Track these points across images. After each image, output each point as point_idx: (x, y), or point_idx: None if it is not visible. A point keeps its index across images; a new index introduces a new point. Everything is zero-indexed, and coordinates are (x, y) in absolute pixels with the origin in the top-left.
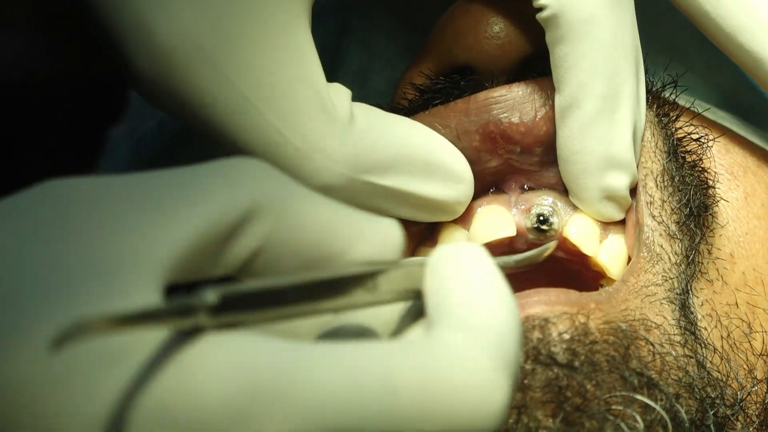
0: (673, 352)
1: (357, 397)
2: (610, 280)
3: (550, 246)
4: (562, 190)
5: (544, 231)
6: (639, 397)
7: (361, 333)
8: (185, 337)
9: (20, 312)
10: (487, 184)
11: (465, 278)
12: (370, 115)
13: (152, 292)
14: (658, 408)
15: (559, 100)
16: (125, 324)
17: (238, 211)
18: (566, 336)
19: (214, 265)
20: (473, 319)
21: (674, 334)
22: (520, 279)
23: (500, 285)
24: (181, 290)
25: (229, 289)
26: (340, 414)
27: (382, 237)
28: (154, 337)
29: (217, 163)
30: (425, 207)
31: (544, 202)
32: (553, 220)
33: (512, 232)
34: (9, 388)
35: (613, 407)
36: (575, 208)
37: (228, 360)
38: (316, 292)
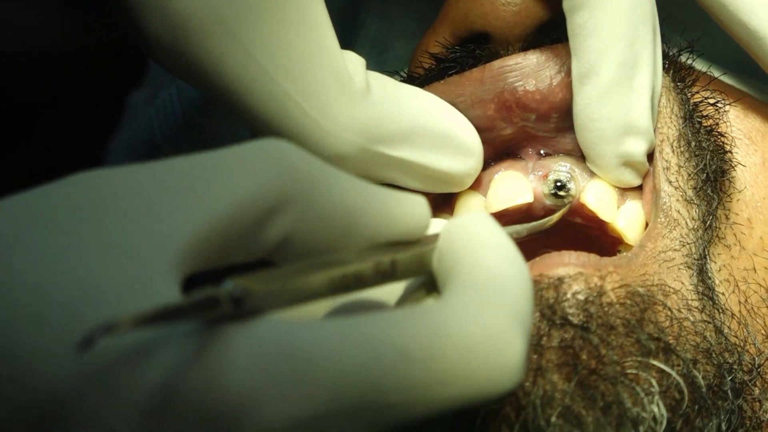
0: (691, 318)
1: (376, 368)
2: (628, 246)
3: (556, 215)
4: (579, 156)
5: (561, 197)
6: (655, 362)
7: (372, 306)
8: (211, 326)
9: (48, 309)
10: (503, 151)
11: (473, 244)
12: (385, 86)
13: (170, 281)
14: (673, 374)
15: (576, 67)
16: (151, 322)
17: (266, 198)
18: (580, 296)
19: (245, 251)
20: (484, 281)
21: (692, 300)
22: (539, 246)
23: (509, 247)
24: (210, 277)
25: (250, 279)
26: (361, 387)
27: (409, 216)
28: (183, 329)
29: (246, 146)
30: (435, 179)
31: (562, 168)
32: (571, 186)
33: (529, 199)
34: (44, 389)
35: (629, 371)
36: (592, 174)
37: (250, 348)
38: (337, 283)
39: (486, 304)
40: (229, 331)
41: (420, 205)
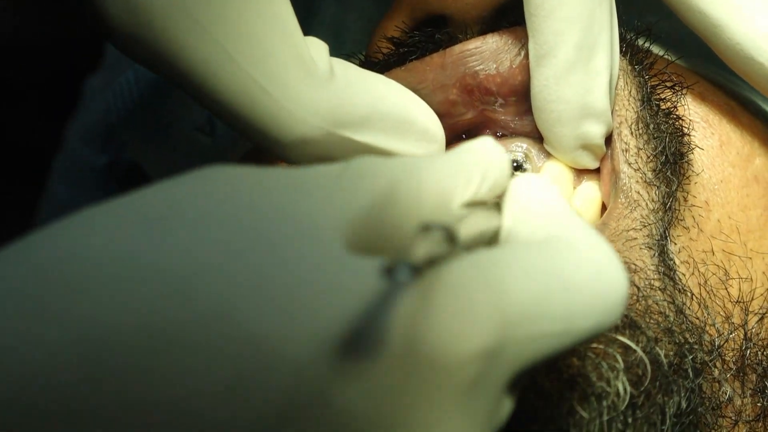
0: (653, 297)
1: (547, 297)
2: None
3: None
4: (536, 137)
5: None
6: (621, 338)
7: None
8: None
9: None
10: (461, 133)
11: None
12: (348, 71)
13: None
14: (638, 350)
15: (533, 49)
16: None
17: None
18: None
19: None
20: (579, 227)
21: (654, 279)
22: None
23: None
24: None
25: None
26: (540, 315)
27: (488, 164)
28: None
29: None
30: None
31: (518, 148)
32: (527, 166)
33: None
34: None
35: (596, 346)
36: (549, 154)
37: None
38: None
39: (596, 241)
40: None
41: (491, 150)
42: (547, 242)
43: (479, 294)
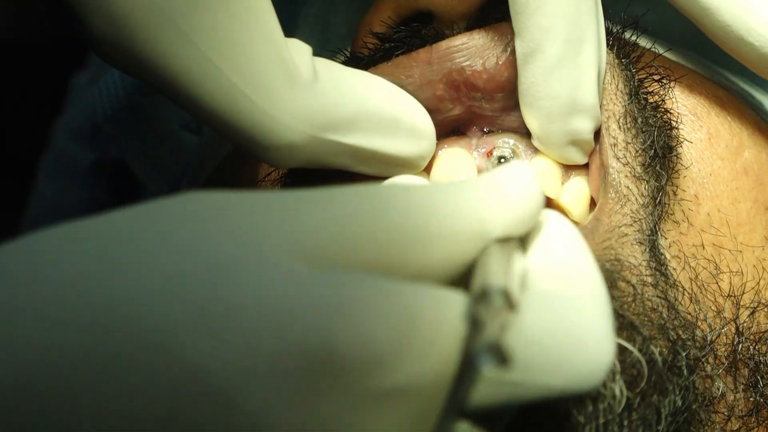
0: (646, 293)
1: (541, 352)
2: (574, 223)
3: None
4: (524, 132)
5: None
6: (618, 340)
7: None
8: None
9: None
10: (449, 130)
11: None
12: (331, 72)
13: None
14: (635, 351)
15: (520, 45)
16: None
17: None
18: None
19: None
20: (578, 275)
21: (646, 275)
22: None
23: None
24: None
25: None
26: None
27: (524, 199)
28: None
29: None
30: (388, 163)
31: (505, 144)
32: (514, 162)
33: (473, 175)
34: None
35: None
36: (536, 150)
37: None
38: None
39: (589, 299)
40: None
41: (525, 187)
42: (559, 298)
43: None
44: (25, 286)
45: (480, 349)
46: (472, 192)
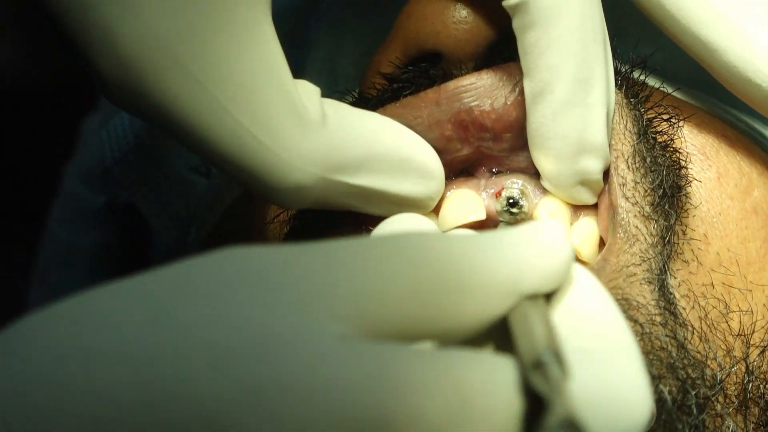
0: (655, 332)
1: None
2: (582, 263)
3: None
4: (532, 173)
5: (514, 214)
6: None
7: None
8: None
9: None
10: (457, 171)
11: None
12: (340, 113)
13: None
14: None
15: (529, 86)
16: None
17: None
18: None
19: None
20: (607, 329)
21: (655, 315)
22: None
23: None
24: None
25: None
26: None
27: (554, 257)
28: None
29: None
30: (397, 204)
31: (514, 185)
32: (523, 203)
33: (482, 216)
34: None
35: None
36: (545, 190)
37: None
38: None
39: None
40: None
41: (551, 238)
42: (594, 356)
43: None
44: (74, 354)
45: (554, 428)
46: (509, 246)
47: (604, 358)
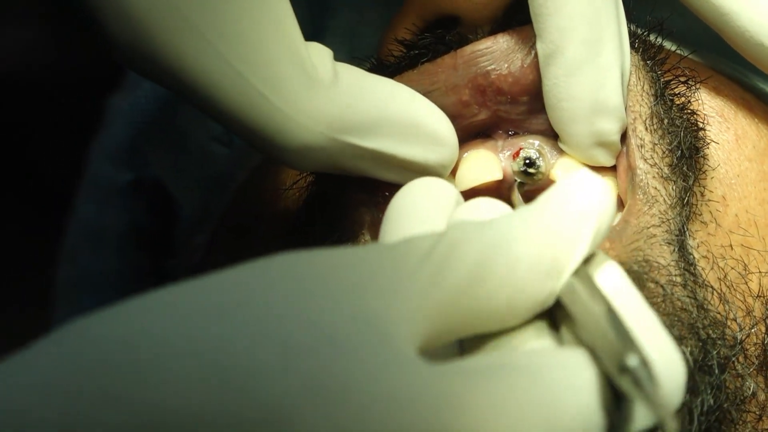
0: (676, 293)
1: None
2: None
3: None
4: (550, 134)
5: (531, 174)
6: None
7: None
8: None
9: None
10: (475, 134)
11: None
12: (353, 76)
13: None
14: None
15: (541, 48)
16: None
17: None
18: None
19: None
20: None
21: (675, 275)
22: None
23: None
24: None
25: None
26: None
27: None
28: None
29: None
30: (409, 169)
31: (531, 146)
32: (540, 163)
33: (498, 176)
34: None
35: None
36: (561, 151)
37: None
38: None
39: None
40: None
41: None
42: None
43: None
44: (145, 344)
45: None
46: (537, 229)
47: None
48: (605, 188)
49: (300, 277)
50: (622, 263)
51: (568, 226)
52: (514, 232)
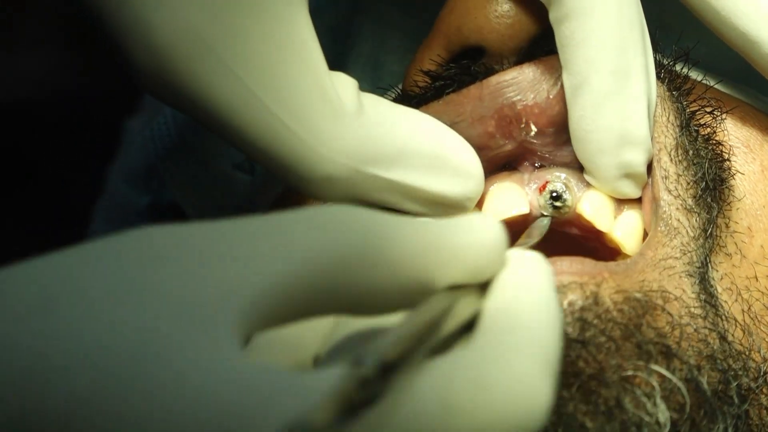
0: (693, 324)
1: (422, 421)
2: (626, 257)
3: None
4: (576, 167)
5: (558, 208)
6: (655, 367)
7: (370, 335)
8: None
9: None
10: (501, 166)
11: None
12: (377, 107)
13: (232, 337)
14: (673, 378)
15: (568, 79)
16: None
17: (322, 263)
18: (576, 306)
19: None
20: (517, 328)
21: (694, 307)
22: None
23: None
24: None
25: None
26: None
27: (477, 249)
28: None
29: (306, 211)
30: (432, 202)
31: (557, 179)
32: (567, 196)
33: (525, 210)
34: None
35: (629, 374)
36: (588, 184)
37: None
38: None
39: (521, 354)
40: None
41: (485, 228)
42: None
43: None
44: None
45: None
46: (416, 240)
47: (499, 355)
48: (495, 227)
49: (132, 257)
50: (622, 292)
51: (455, 245)
52: (403, 231)
